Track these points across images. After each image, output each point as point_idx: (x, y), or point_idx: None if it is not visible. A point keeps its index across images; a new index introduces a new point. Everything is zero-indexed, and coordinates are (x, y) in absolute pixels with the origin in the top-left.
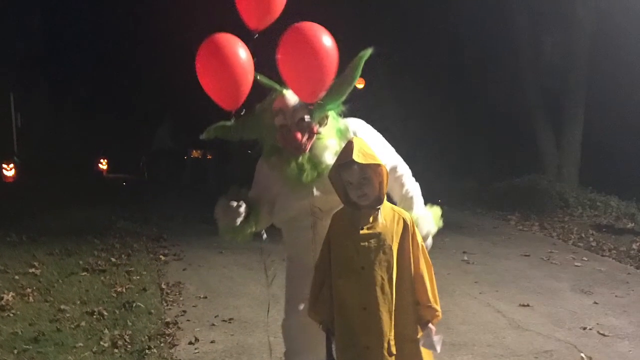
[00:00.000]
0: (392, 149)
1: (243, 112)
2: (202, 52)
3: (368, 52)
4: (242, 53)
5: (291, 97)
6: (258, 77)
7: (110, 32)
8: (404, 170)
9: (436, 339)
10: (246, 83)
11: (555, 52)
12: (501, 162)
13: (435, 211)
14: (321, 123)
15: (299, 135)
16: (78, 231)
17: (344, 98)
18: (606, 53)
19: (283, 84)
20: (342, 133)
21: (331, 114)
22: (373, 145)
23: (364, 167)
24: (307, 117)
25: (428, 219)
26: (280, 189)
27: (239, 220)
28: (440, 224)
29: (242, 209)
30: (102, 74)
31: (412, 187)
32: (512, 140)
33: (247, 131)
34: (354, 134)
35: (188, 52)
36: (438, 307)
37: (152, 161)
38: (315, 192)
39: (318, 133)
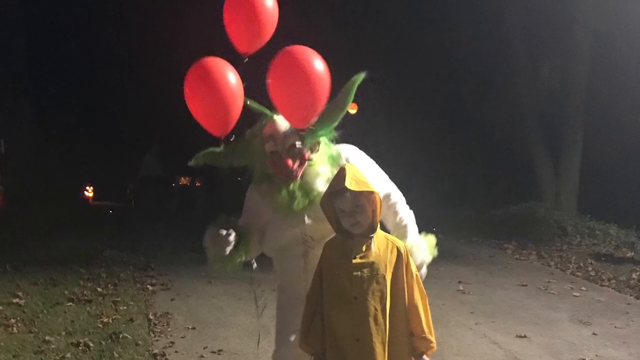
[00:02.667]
0: (386, 176)
1: (232, 138)
2: (191, 76)
3: (361, 77)
4: (232, 77)
5: (282, 122)
6: (248, 102)
7: (97, 57)
8: (398, 198)
9: None
10: (235, 108)
11: (553, 77)
12: (498, 190)
13: (430, 240)
14: (313, 149)
15: (290, 162)
16: (63, 260)
17: (336, 124)
18: (605, 78)
19: (273, 110)
20: (334, 159)
21: (323, 140)
22: (366, 172)
23: (357, 195)
24: (298, 144)
25: (422, 247)
26: (271, 217)
27: (228, 249)
28: (435, 252)
29: (232, 237)
30: (88, 100)
31: (406, 215)
32: (508, 167)
33: (237, 157)
34: (347, 160)
35: (176, 77)
36: (433, 339)
37: (139, 188)
38: (307, 220)
39: (309, 159)
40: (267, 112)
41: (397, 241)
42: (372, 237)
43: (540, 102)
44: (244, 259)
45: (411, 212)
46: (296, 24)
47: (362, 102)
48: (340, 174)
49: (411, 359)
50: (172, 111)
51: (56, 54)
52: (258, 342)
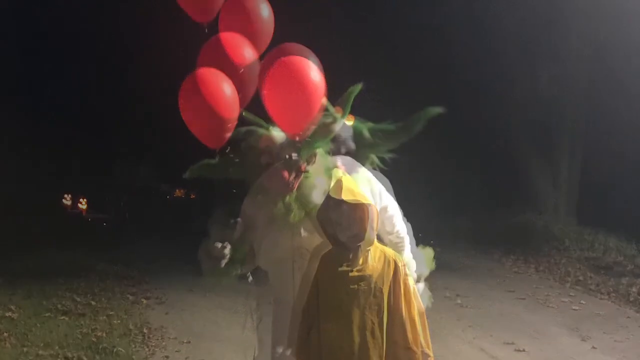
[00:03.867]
0: (383, 188)
1: (228, 150)
2: (185, 88)
3: (357, 88)
4: (227, 89)
5: (278, 135)
6: (244, 114)
7: (90, 67)
8: (395, 211)
9: None
10: (231, 121)
11: (552, 86)
12: (496, 201)
13: (427, 253)
14: (309, 161)
15: (286, 174)
16: (57, 274)
17: (332, 135)
18: (605, 88)
19: (269, 122)
20: (331, 171)
21: (319, 151)
22: (362, 184)
23: (353, 207)
24: (294, 155)
25: (419, 261)
26: (267, 229)
27: (223, 263)
28: (433, 266)
29: (227, 250)
30: (82, 111)
31: (403, 228)
32: (507, 178)
33: (233, 170)
34: (380, 190)
35: (170, 90)
36: (430, 352)
37: (133, 201)
38: (303, 232)
39: (306, 172)
40: (263, 124)
41: (394, 254)
42: (369, 250)
43: (538, 112)
44: (239, 272)
45: (408, 225)
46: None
47: (358, 112)
48: (337, 187)
49: None
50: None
51: (47, 63)
52: (254, 356)
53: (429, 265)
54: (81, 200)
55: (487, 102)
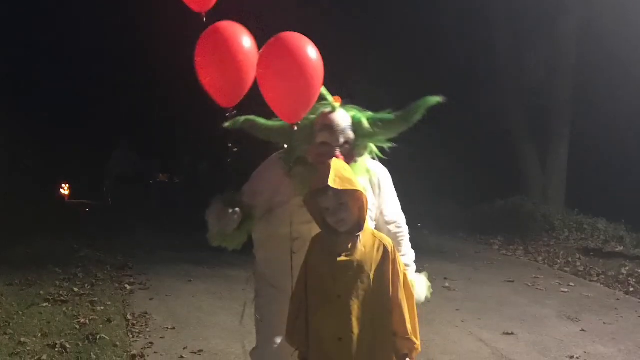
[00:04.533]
0: (383, 179)
1: (234, 112)
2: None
3: (436, 99)
4: (247, 43)
5: (343, 117)
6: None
7: (71, 52)
8: (404, 230)
9: None
10: (249, 78)
11: (539, 68)
12: (483, 184)
13: (425, 280)
14: (360, 153)
15: (340, 158)
16: (38, 260)
17: (393, 136)
18: (592, 70)
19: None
20: (369, 173)
21: (369, 148)
22: (360, 174)
23: (340, 193)
24: (351, 134)
25: (419, 286)
26: (290, 201)
27: (232, 228)
28: (429, 294)
29: (237, 216)
30: (63, 96)
31: (403, 219)
32: (494, 161)
33: (278, 135)
34: (378, 180)
35: (154, 73)
36: (417, 340)
37: (116, 186)
38: (304, 221)
39: (355, 162)
40: (331, 101)
41: (384, 238)
42: (359, 235)
43: (526, 94)
44: (245, 239)
45: (413, 252)
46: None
47: (355, 101)
48: (324, 171)
49: None
50: (147, 105)
51: (30, 49)
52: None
53: (427, 292)
54: (63, 185)
55: (474, 85)
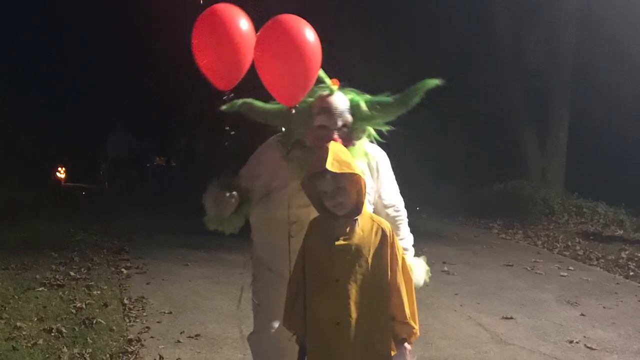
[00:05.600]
0: (381, 162)
1: (231, 95)
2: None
3: (434, 82)
4: (244, 26)
5: (340, 99)
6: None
7: (68, 35)
8: (402, 213)
9: (410, 359)
10: (247, 60)
11: (539, 50)
12: (482, 167)
13: (423, 264)
14: (358, 136)
15: (338, 141)
16: (35, 244)
17: (391, 119)
18: (592, 51)
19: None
20: (367, 157)
21: (367, 131)
22: (359, 158)
23: (338, 177)
24: (349, 117)
25: (417, 270)
26: (288, 184)
27: (229, 212)
28: (427, 278)
29: (234, 200)
30: (59, 79)
31: (401, 202)
32: (493, 144)
33: (276, 118)
34: (377, 163)
35: (151, 55)
36: (415, 325)
37: (112, 169)
38: (301, 205)
39: (353, 145)
40: (329, 84)
41: (383, 222)
42: (357, 219)
43: (525, 76)
44: (242, 223)
45: (411, 235)
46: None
47: (344, 75)
48: (322, 155)
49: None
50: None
51: (26, 32)
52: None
53: (425, 276)
54: (59, 169)
55: (474, 69)
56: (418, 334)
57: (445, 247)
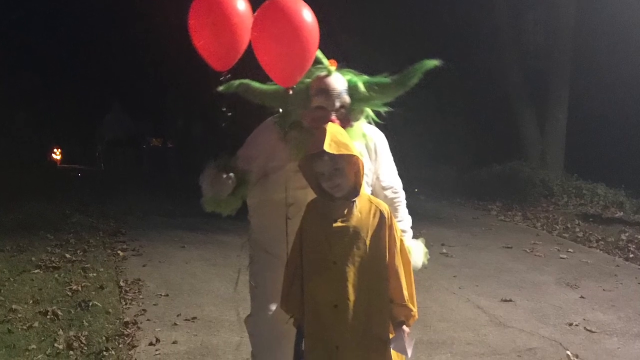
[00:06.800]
0: (379, 143)
1: (228, 76)
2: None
3: (433, 63)
4: (241, 5)
5: (338, 80)
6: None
7: (63, 16)
8: (400, 195)
9: (408, 342)
10: (244, 41)
11: (538, 31)
12: (481, 149)
13: (422, 246)
14: (356, 118)
15: (335, 122)
16: (30, 226)
17: (390, 99)
18: (591, 31)
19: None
20: (365, 138)
21: (365, 113)
22: (357, 139)
23: (336, 158)
24: (346, 98)
25: (416, 252)
26: (285, 166)
27: (226, 193)
28: (426, 260)
29: (231, 181)
30: (55, 61)
31: (405, 216)
32: (492, 125)
33: (273, 99)
34: (375, 144)
35: (148, 36)
36: (413, 307)
37: (108, 150)
38: (299, 187)
39: (350, 126)
40: (327, 65)
41: (381, 204)
42: (355, 200)
43: (524, 57)
44: (239, 205)
45: (410, 217)
46: None
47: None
48: (320, 136)
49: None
50: (140, 68)
51: (21, 14)
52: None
53: (424, 258)
54: (55, 150)
55: (473, 50)
56: (416, 316)
57: (443, 229)
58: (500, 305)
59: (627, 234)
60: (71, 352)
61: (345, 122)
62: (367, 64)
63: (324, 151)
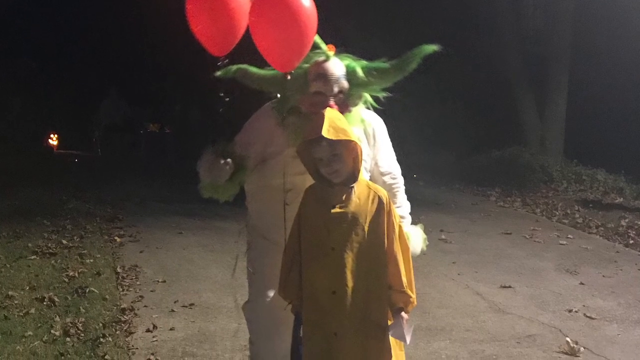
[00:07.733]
0: (378, 129)
1: (226, 61)
2: None
3: (432, 48)
4: None
5: (336, 65)
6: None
7: (59, 1)
8: (389, 152)
9: (407, 328)
10: (242, 25)
11: (537, 15)
12: (480, 134)
13: (421, 232)
14: (355, 103)
15: (334, 107)
16: (26, 212)
17: (388, 85)
18: (592, 16)
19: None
20: (364, 123)
21: (364, 98)
22: (355, 125)
23: (334, 144)
24: (345, 83)
25: (415, 238)
26: (284, 152)
27: (224, 179)
28: (425, 246)
29: (229, 167)
30: (51, 46)
31: (398, 170)
32: (491, 111)
33: (270, 84)
34: (373, 130)
35: (145, 20)
36: (412, 293)
37: (105, 136)
38: (297, 173)
39: (349, 111)
40: (325, 50)
41: (379, 190)
42: (353, 186)
43: (523, 42)
44: (237, 191)
45: (408, 203)
46: None
47: (339, 42)
48: (318, 121)
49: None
50: (137, 53)
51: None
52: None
53: (423, 244)
54: (52, 136)
55: (472, 35)
56: (415, 302)
57: (442, 215)
58: (500, 292)
59: (627, 220)
60: (68, 339)
61: (344, 108)
62: (366, 49)
63: (322, 137)
